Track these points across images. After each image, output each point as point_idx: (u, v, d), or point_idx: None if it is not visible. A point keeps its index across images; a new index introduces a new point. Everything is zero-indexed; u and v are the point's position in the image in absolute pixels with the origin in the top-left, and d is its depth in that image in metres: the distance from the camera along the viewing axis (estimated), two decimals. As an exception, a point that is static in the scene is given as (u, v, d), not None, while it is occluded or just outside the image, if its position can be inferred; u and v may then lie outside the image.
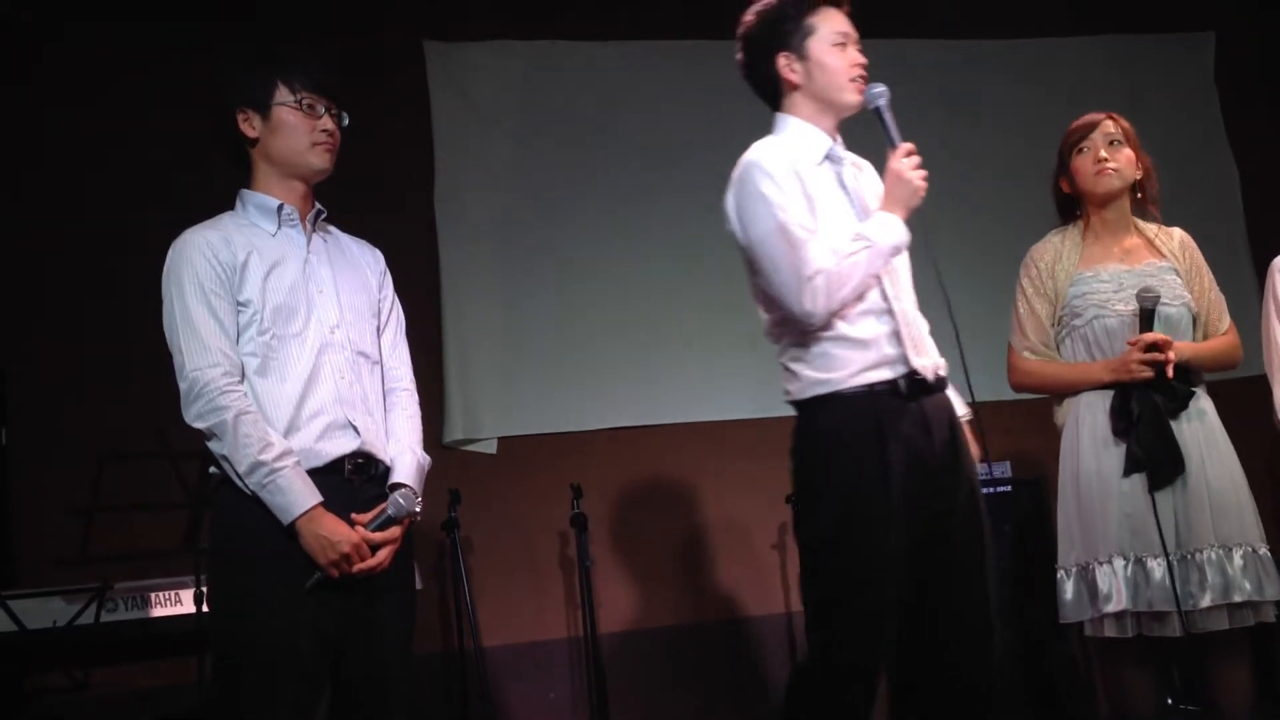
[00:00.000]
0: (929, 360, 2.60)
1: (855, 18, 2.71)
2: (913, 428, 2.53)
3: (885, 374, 2.54)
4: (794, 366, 2.61)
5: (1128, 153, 3.13)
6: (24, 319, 4.34)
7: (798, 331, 2.58)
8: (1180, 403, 3.01)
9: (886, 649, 2.48)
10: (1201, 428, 3.03)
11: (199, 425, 2.37)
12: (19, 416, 4.25)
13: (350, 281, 2.57)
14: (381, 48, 4.76)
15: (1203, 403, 3.08)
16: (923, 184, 2.59)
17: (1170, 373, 2.97)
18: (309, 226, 2.56)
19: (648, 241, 4.94)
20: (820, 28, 2.67)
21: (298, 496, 2.33)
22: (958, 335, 2.63)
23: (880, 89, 2.66)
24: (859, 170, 2.78)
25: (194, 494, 3.52)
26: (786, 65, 2.68)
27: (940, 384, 2.63)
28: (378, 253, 2.71)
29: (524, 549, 4.69)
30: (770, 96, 2.76)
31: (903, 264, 2.67)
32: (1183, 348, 3.03)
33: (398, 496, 2.45)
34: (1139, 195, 3.19)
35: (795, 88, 2.69)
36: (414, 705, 2.50)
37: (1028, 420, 4.83)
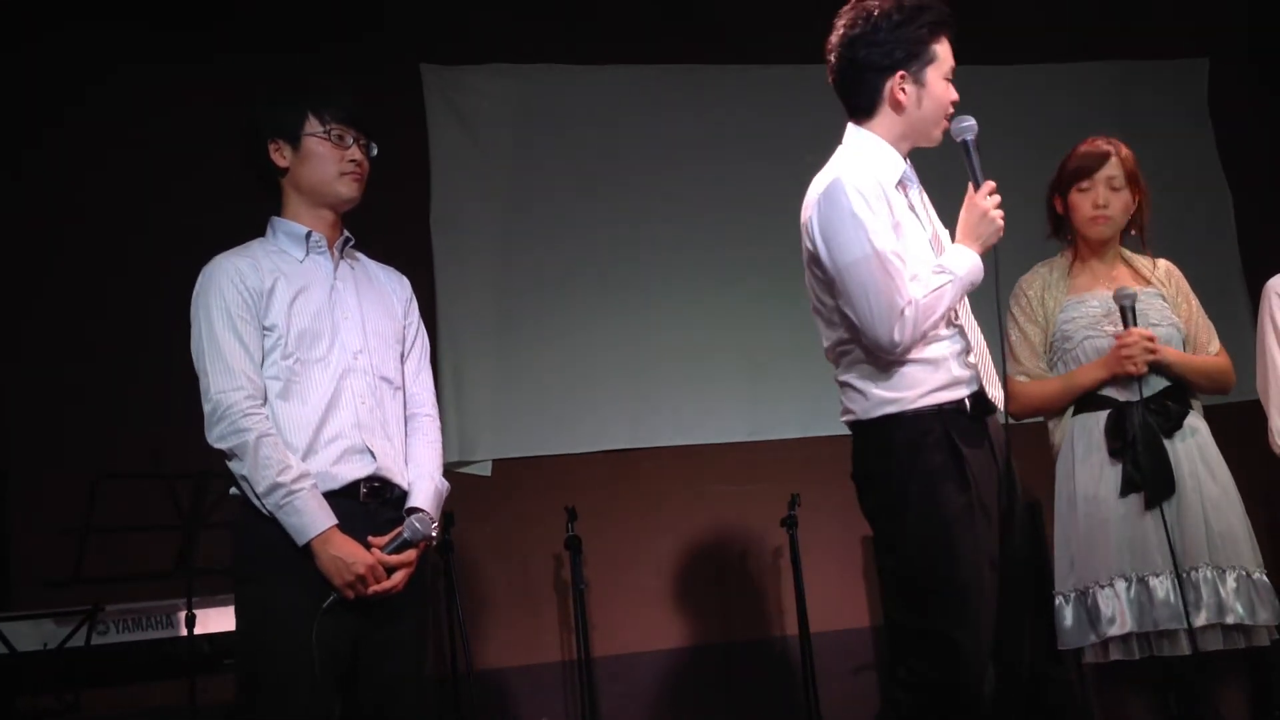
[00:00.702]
0: (998, 389, 2.60)
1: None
2: (982, 448, 2.53)
3: (955, 394, 2.52)
4: (861, 385, 2.56)
5: (1125, 197, 3.15)
6: (19, 339, 4.33)
7: (866, 352, 2.55)
8: (1174, 422, 3.03)
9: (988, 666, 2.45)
10: (1196, 447, 3.05)
11: (221, 446, 2.42)
12: (13, 437, 4.24)
13: (376, 308, 2.63)
14: (379, 70, 4.77)
15: (1196, 422, 3.09)
16: (1002, 222, 2.58)
17: (1151, 367, 3.00)
18: (336, 254, 2.62)
19: (644, 265, 4.95)
20: (941, 57, 2.60)
21: (313, 518, 2.38)
22: (1005, 360, 2.63)
23: (969, 123, 2.62)
24: (925, 196, 2.74)
25: (187, 516, 3.52)
26: (899, 85, 2.58)
27: (996, 405, 2.62)
28: (405, 280, 2.78)
29: (518, 572, 4.68)
30: (857, 106, 2.64)
31: (968, 295, 2.65)
32: (1171, 353, 3.06)
33: (414, 520, 2.49)
34: (1131, 232, 3.21)
35: (899, 109, 2.59)
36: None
37: (1019, 445, 4.84)
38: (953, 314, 2.56)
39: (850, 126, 2.66)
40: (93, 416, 4.26)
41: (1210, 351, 3.18)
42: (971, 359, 2.55)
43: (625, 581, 4.71)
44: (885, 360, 2.52)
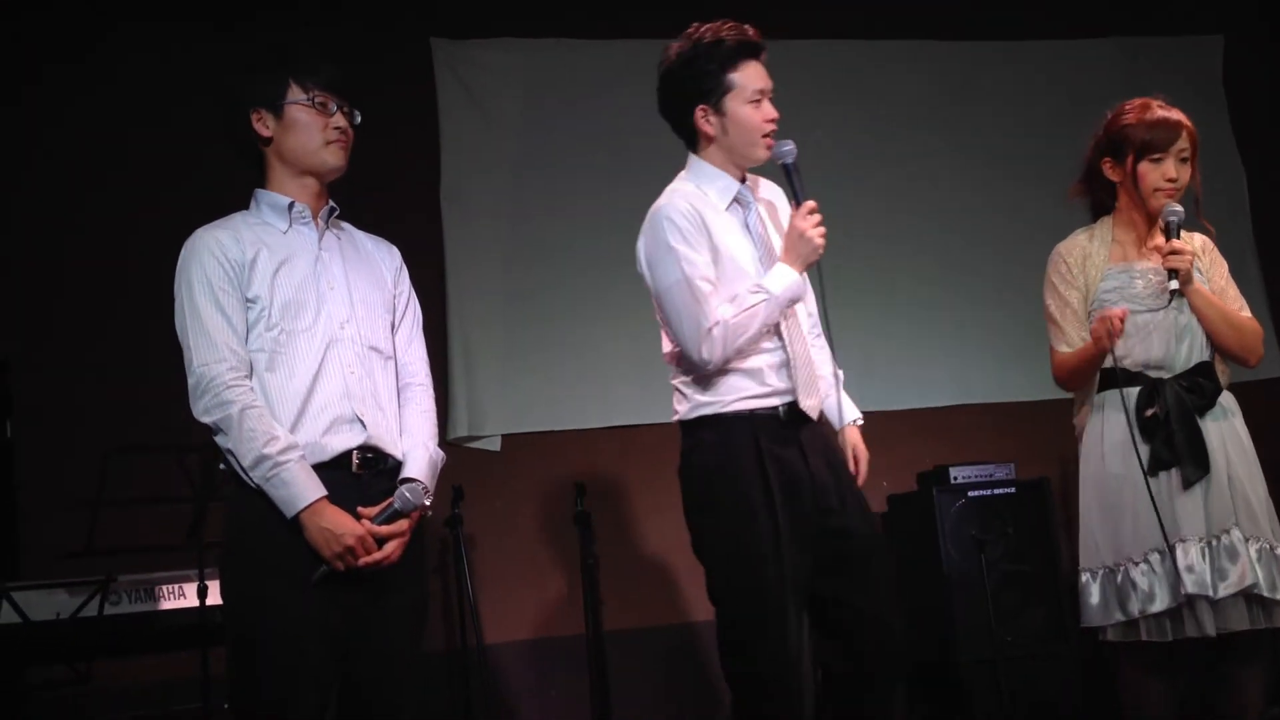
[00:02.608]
0: (815, 401, 2.79)
1: (770, 66, 2.79)
2: (790, 452, 2.72)
3: (768, 402, 2.74)
4: (684, 389, 2.81)
5: (1189, 169, 3.10)
6: (32, 310, 4.35)
7: (692, 361, 2.76)
8: (1208, 400, 3.00)
9: (798, 650, 2.63)
10: (1227, 426, 3.02)
11: (205, 420, 2.38)
12: (25, 408, 4.26)
13: (364, 277, 2.59)
14: (388, 45, 4.77)
15: (1227, 401, 3.06)
16: (821, 241, 2.73)
17: (1181, 272, 2.96)
18: (321, 224, 2.57)
19: (653, 240, 4.93)
20: (740, 84, 2.76)
21: (301, 489, 2.34)
22: (831, 340, 2.87)
23: (789, 147, 2.78)
24: (772, 207, 2.93)
25: (199, 487, 3.53)
26: (703, 118, 2.80)
27: (821, 420, 2.84)
28: (394, 249, 2.73)
29: (527, 546, 4.69)
30: (684, 138, 2.88)
31: (801, 308, 2.84)
32: (1203, 290, 3.03)
33: (404, 490, 2.45)
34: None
35: (710, 139, 2.82)
36: (423, 703, 2.50)
37: (1031, 422, 4.85)
38: (778, 328, 2.75)
39: (689, 156, 2.89)
40: (105, 387, 4.28)
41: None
42: (791, 371, 2.74)
43: (634, 556, 4.73)
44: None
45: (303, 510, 2.34)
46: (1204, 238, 3.21)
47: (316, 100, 2.51)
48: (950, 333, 5.17)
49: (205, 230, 2.50)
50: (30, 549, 4.12)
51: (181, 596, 3.59)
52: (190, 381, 2.40)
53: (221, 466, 2.44)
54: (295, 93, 2.50)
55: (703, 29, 2.81)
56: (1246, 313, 3.14)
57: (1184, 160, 3.09)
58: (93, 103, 4.48)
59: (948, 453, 4.86)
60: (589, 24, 5.02)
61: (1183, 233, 3.16)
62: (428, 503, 2.51)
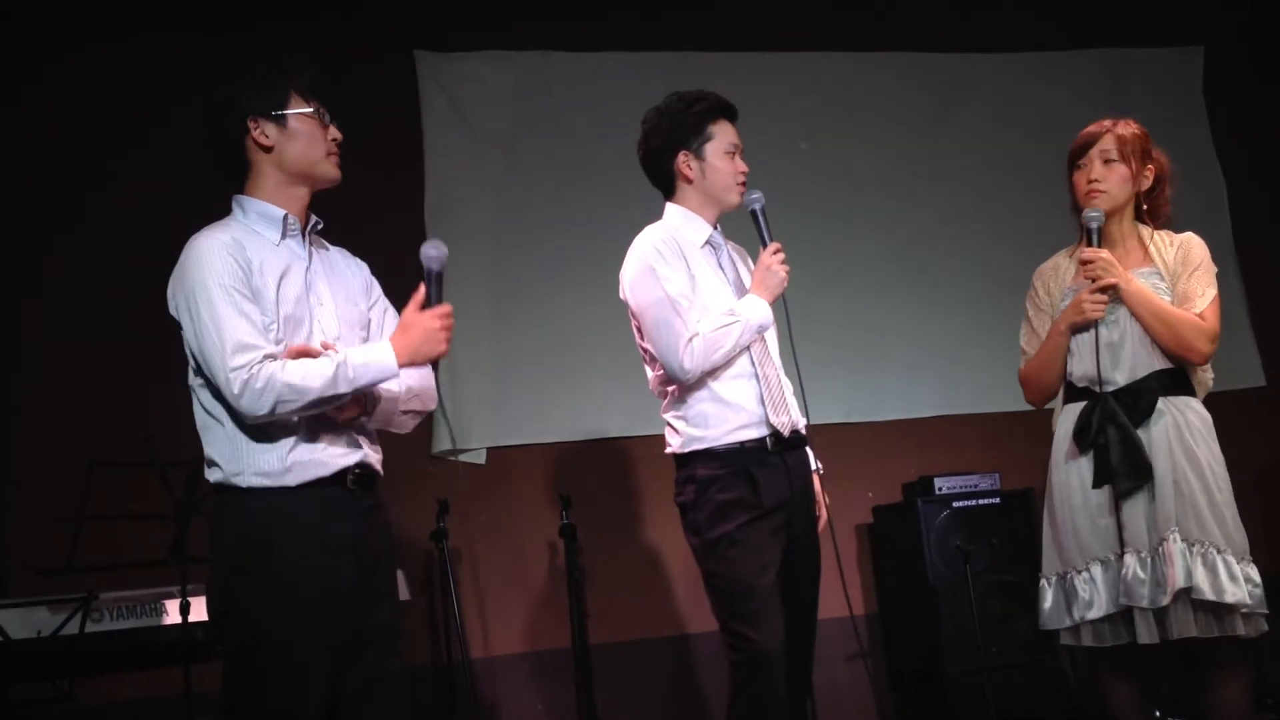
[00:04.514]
0: (786, 418, 3.05)
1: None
2: (778, 476, 3.02)
3: (753, 433, 3.02)
4: (675, 424, 3.09)
5: (1121, 170, 3.11)
6: (13, 327, 4.32)
7: (678, 389, 3.05)
8: (1144, 411, 3.01)
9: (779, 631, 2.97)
10: (1173, 429, 3.01)
11: (262, 413, 2.32)
12: (6, 424, 4.23)
13: (343, 295, 2.57)
14: (372, 57, 4.76)
15: (1173, 406, 3.03)
16: (786, 275, 3.08)
17: (1110, 283, 3.03)
18: (307, 238, 2.54)
19: (638, 252, 4.94)
20: (717, 136, 3.13)
21: (380, 355, 2.38)
22: (798, 366, 3.08)
23: (757, 195, 3.13)
24: (737, 256, 3.24)
25: (181, 504, 3.51)
26: (684, 162, 3.13)
27: (798, 440, 3.09)
28: (363, 263, 2.71)
29: (513, 560, 4.68)
30: (663, 185, 3.20)
31: (770, 335, 3.13)
32: (1134, 283, 3.05)
33: (427, 249, 2.46)
34: (1144, 207, 3.18)
35: (689, 182, 3.14)
36: (410, 713, 2.50)
37: (1016, 432, 4.86)
38: (752, 361, 3.03)
39: (666, 204, 3.19)
40: (86, 404, 4.25)
41: (1191, 309, 3.07)
42: (765, 399, 3.03)
43: (620, 569, 4.72)
44: (693, 401, 3.03)
45: (401, 361, 2.39)
46: (1186, 237, 3.19)
47: (319, 111, 2.50)
48: (936, 343, 5.18)
49: (208, 235, 2.43)
50: (12, 565, 4.09)
51: (164, 613, 3.57)
52: (228, 390, 2.31)
53: (212, 479, 2.39)
54: (297, 103, 2.48)
55: (686, 91, 3.16)
56: (1200, 305, 3.07)
57: (1108, 161, 3.13)
58: (79, 113, 4.45)
59: (933, 463, 4.88)
60: (574, 36, 5.03)
61: (1169, 233, 3.17)
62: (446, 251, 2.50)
